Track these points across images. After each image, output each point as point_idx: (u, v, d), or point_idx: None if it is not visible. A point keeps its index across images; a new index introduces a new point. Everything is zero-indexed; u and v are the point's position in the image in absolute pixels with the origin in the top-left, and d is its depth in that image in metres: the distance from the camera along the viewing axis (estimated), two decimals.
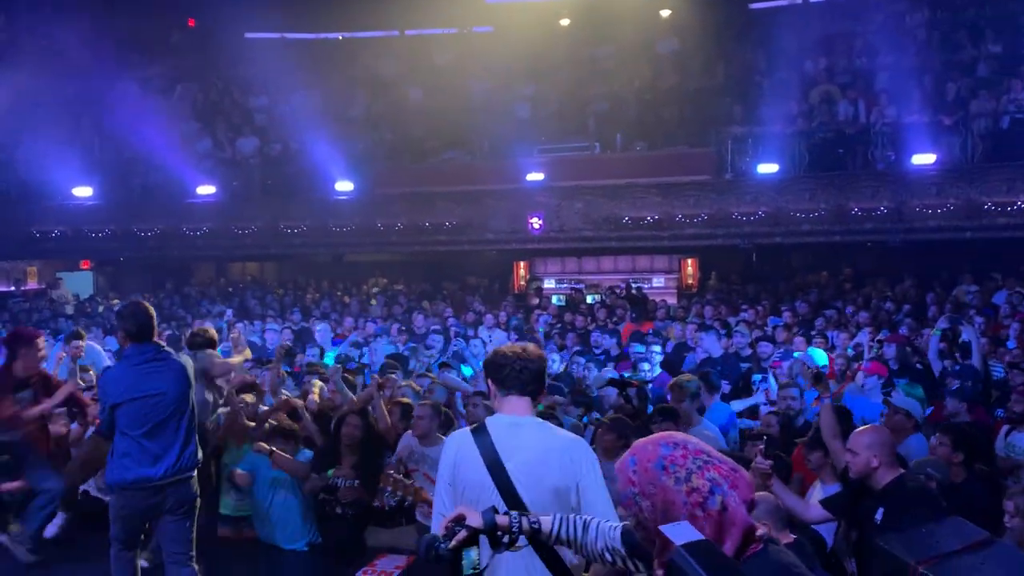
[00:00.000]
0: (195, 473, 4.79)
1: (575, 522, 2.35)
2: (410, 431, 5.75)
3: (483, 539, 2.34)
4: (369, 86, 19.54)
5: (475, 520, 2.31)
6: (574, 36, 19.43)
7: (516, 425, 2.89)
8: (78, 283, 19.17)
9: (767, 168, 14.34)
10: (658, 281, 18.08)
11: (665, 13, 19.05)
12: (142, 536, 4.92)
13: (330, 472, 5.55)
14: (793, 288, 15.13)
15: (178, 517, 4.70)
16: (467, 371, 8.82)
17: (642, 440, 1.96)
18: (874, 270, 15.50)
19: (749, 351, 9.12)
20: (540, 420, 3.00)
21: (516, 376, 2.94)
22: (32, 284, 19.25)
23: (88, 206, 17.26)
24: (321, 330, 12.01)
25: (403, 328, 11.86)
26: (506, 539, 2.33)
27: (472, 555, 2.33)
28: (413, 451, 5.58)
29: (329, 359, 9.94)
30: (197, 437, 4.80)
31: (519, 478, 2.75)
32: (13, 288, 18.66)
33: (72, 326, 11.75)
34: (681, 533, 1.66)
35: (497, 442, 2.83)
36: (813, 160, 14.35)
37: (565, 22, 20.05)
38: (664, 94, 16.99)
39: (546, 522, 2.36)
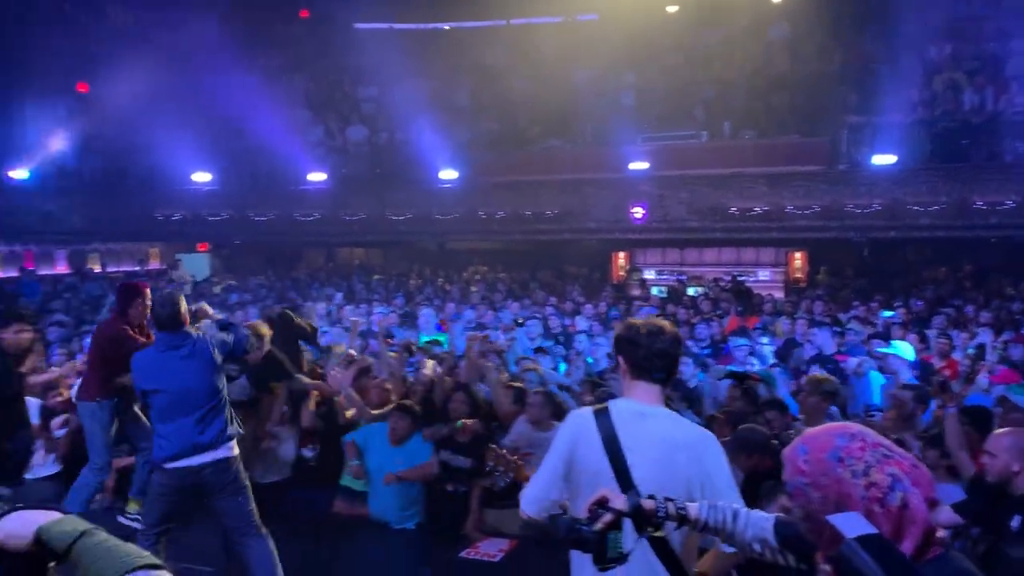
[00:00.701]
0: (232, 453, 4.75)
1: (724, 510, 2.28)
2: (523, 416, 5.80)
3: (627, 523, 2.25)
4: (475, 75, 19.71)
5: (620, 503, 2.24)
6: (681, 22, 19.07)
7: (641, 415, 2.74)
8: (196, 265, 20.12)
9: (884, 159, 13.75)
10: (764, 274, 17.64)
11: None
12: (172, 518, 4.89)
13: (459, 423, 5.68)
14: (908, 284, 14.49)
15: (226, 495, 4.72)
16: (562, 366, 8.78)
17: (814, 429, 1.89)
18: (998, 267, 14.68)
19: (863, 349, 8.78)
20: (668, 411, 2.83)
21: (651, 362, 2.77)
22: (154, 264, 20.31)
23: (206, 191, 18.05)
24: (425, 315, 12.21)
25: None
26: (652, 524, 2.25)
27: (618, 538, 2.22)
28: (528, 436, 5.62)
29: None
30: (228, 416, 4.77)
31: (640, 473, 2.63)
32: (137, 268, 19.72)
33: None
34: (853, 525, 1.58)
35: (619, 430, 2.70)
36: (934, 151, 13.69)
37: (672, 9, 19.70)
38: (775, 81, 16.48)
39: (693, 508, 2.30)
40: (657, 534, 2.28)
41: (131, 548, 1.44)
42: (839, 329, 9.46)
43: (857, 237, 14.31)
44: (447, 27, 22.16)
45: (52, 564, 1.48)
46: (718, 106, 16.23)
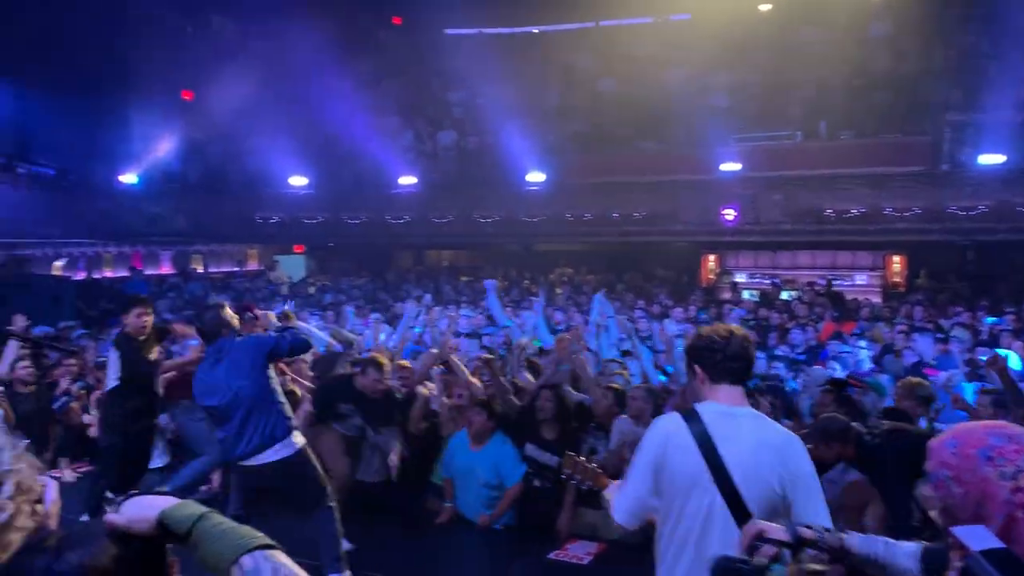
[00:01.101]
0: (291, 450, 4.71)
1: (876, 541, 2.19)
2: (623, 415, 5.78)
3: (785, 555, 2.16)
4: (563, 78, 19.75)
5: (780, 533, 2.16)
6: (775, 21, 18.67)
7: (731, 415, 2.74)
8: (292, 266, 20.78)
9: (991, 159, 13.16)
10: (860, 278, 17.07)
11: None
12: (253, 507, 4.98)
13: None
14: (1016, 289, 13.79)
15: (294, 487, 4.80)
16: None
17: (968, 424, 1.85)
18: None
19: (956, 361, 8.40)
20: (756, 412, 2.84)
21: (728, 364, 2.78)
22: (253, 265, 21.07)
23: (303, 195, 18.60)
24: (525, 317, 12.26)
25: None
26: (811, 555, 2.16)
27: (783, 572, 2.15)
28: (633, 433, 5.58)
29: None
30: (279, 414, 4.72)
31: (736, 469, 2.64)
32: (236, 268, 20.52)
33: (285, 305, 12.77)
34: (979, 538, 1.52)
35: (711, 429, 2.70)
36: None
37: (766, 7, 19.31)
38: (875, 79, 15.95)
39: (851, 538, 2.19)
40: (817, 567, 2.16)
41: (246, 530, 1.52)
42: (941, 335, 9.08)
43: (960, 240, 13.72)
44: (536, 30, 22.26)
45: (170, 545, 1.58)
46: (814, 106, 15.81)
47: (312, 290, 17.00)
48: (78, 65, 16.43)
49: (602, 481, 3.23)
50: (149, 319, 5.82)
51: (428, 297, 14.97)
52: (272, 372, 4.80)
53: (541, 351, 8.24)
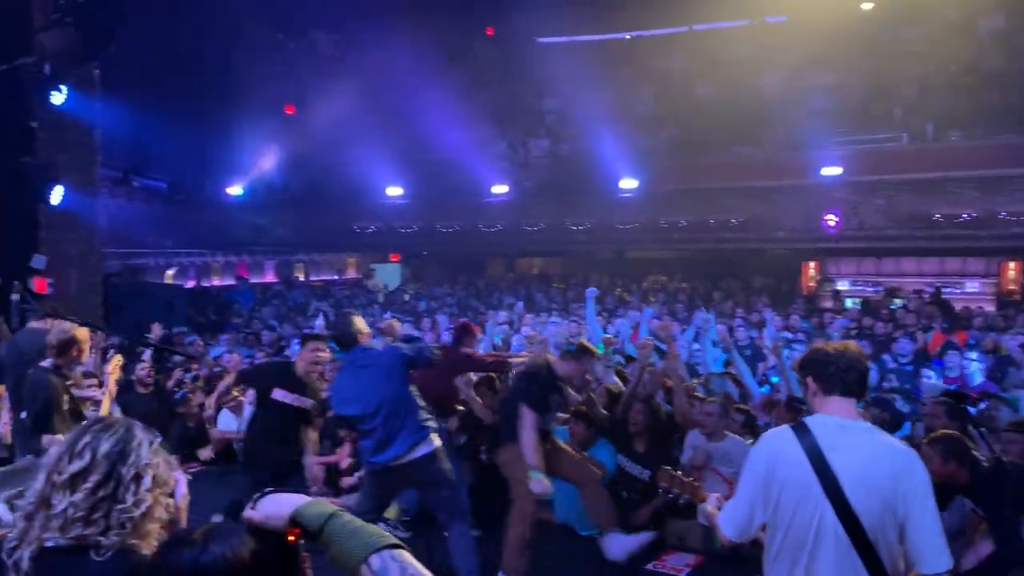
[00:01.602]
0: (426, 450, 4.83)
1: None
2: (695, 430, 5.72)
3: None
4: (656, 83, 19.58)
5: None
6: (878, 19, 18.03)
7: (843, 427, 2.72)
8: (388, 274, 21.24)
9: None
10: (971, 286, 16.30)
11: None
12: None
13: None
14: None
15: (428, 490, 5.00)
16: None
17: None
18: None
19: None
20: (869, 424, 2.81)
21: (841, 376, 2.76)
22: (351, 274, 21.65)
23: (399, 205, 19.01)
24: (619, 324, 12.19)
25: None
26: None
27: None
28: (704, 449, 5.54)
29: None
30: (416, 418, 4.86)
31: (847, 481, 2.61)
32: (335, 277, 21.11)
33: (382, 312, 13.11)
34: None
35: (822, 442, 2.68)
36: None
37: (867, 6, 18.67)
38: (986, 78, 15.22)
39: None
40: None
41: (375, 529, 1.59)
42: None
43: None
44: (628, 36, 22.14)
45: (302, 542, 1.66)
46: (919, 107, 15.19)
47: (407, 297, 17.34)
48: (188, 83, 17.26)
49: (700, 494, 3.22)
50: (324, 356, 5.62)
51: (520, 305, 15.08)
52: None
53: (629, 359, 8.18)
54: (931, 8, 16.95)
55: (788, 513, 2.70)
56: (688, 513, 5.50)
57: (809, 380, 2.86)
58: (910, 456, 2.70)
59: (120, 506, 1.75)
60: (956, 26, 16.51)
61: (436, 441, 4.91)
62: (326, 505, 1.62)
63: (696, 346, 9.32)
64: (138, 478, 1.78)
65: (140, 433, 1.85)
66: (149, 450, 1.83)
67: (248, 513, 1.61)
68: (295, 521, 1.58)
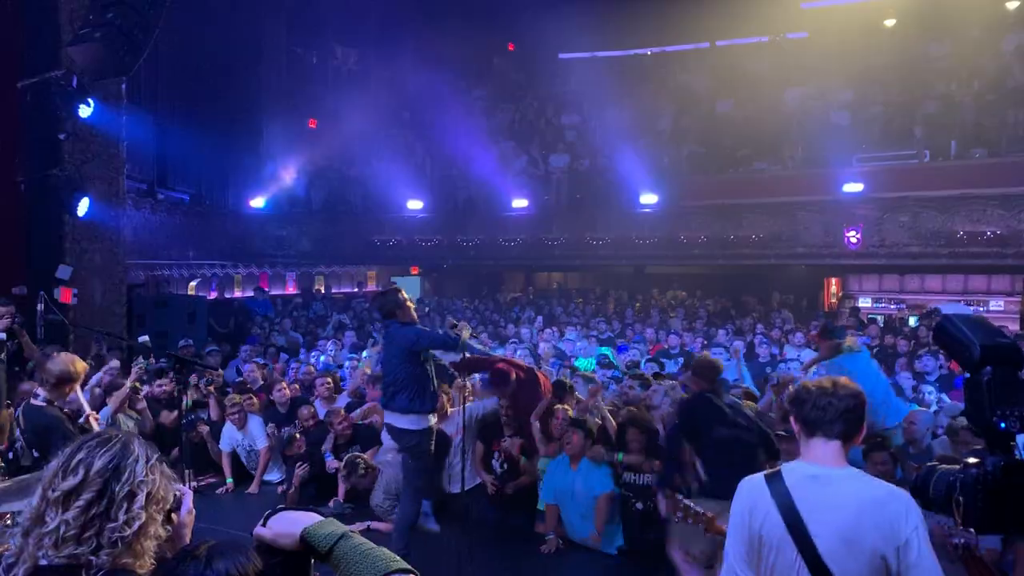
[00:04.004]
0: (411, 426, 5.61)
1: None
2: None
3: None
4: (677, 99, 19.56)
5: None
6: (900, 36, 17.96)
7: (817, 478, 2.46)
8: (408, 287, 21.24)
9: None
10: (996, 304, 16.12)
11: (1012, 5, 16.94)
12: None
13: (620, 455, 5.79)
14: None
15: (405, 456, 5.83)
16: None
17: None
18: None
19: None
20: (851, 470, 2.51)
21: (819, 414, 2.50)
22: (371, 287, 21.71)
23: (419, 218, 19.09)
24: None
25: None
26: None
27: None
28: None
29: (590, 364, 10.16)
30: (413, 395, 5.58)
31: (825, 544, 2.37)
32: (356, 289, 21.17)
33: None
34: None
35: (796, 495, 2.44)
36: None
37: (890, 22, 18.61)
38: (1010, 95, 15.08)
39: None
40: None
41: (385, 552, 1.58)
42: None
43: None
44: (649, 52, 22.18)
45: (314, 561, 1.65)
46: (942, 123, 15.07)
47: (427, 310, 17.38)
48: (213, 96, 17.47)
49: (716, 526, 3.13)
50: None
51: (540, 320, 15.08)
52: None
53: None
54: (954, 24, 16.84)
55: (766, 570, 2.52)
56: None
57: (792, 419, 2.66)
58: (900, 500, 2.39)
59: (112, 524, 1.69)
60: (979, 43, 16.39)
61: (424, 422, 5.64)
62: (337, 525, 1.61)
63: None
64: (132, 495, 1.72)
65: (137, 448, 1.80)
66: (146, 466, 1.77)
67: (258, 530, 1.62)
68: (305, 540, 1.58)
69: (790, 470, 2.54)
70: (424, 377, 5.64)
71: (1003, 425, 1.46)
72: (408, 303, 5.87)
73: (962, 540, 1.57)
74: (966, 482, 1.47)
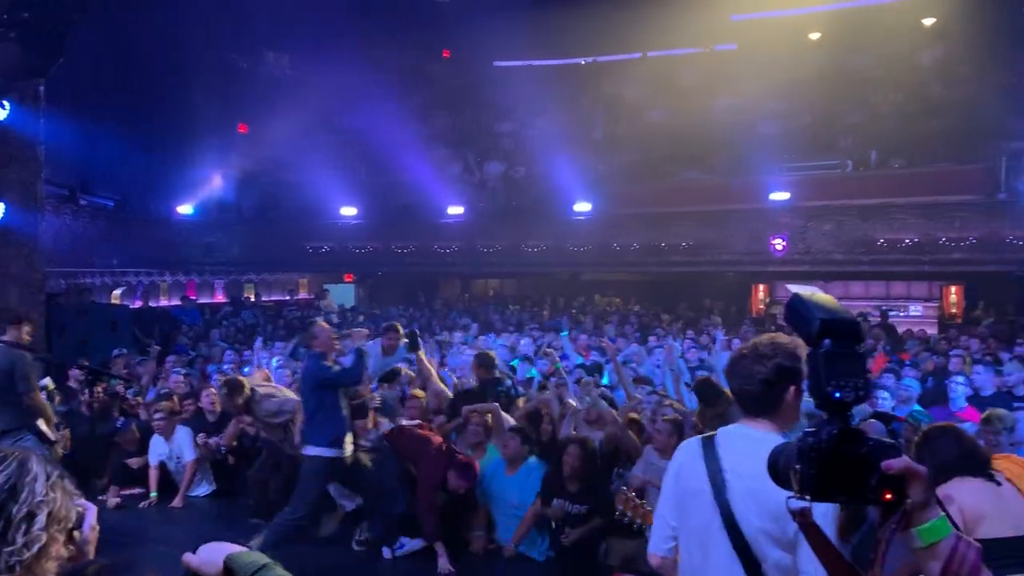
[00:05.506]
0: (309, 452, 5.72)
1: None
2: (649, 446, 5.76)
3: None
4: (611, 108, 19.84)
5: None
6: (824, 49, 18.53)
7: (746, 436, 2.55)
8: (342, 294, 21.04)
9: None
10: (915, 309, 16.71)
11: (929, 21, 17.63)
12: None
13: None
14: None
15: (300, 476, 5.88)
16: None
17: None
18: None
19: None
20: (777, 436, 2.52)
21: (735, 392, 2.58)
22: (303, 295, 21.40)
23: (353, 225, 18.93)
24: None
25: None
26: None
27: None
28: (652, 464, 5.57)
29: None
30: (314, 424, 5.74)
31: (736, 496, 2.46)
32: (287, 297, 20.84)
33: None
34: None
35: (722, 451, 2.56)
36: None
37: (815, 36, 19.20)
38: (928, 107, 15.71)
39: None
40: None
41: None
42: (999, 368, 8.81)
43: (1018, 270, 13.33)
44: (584, 62, 22.42)
45: None
46: (864, 134, 15.62)
47: (361, 318, 17.20)
48: (138, 100, 17.02)
49: (651, 520, 3.18)
50: None
51: (475, 326, 15.07)
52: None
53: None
54: (876, 39, 17.46)
55: (685, 519, 2.62)
56: (635, 533, 5.51)
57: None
58: None
59: (8, 548, 1.61)
60: (900, 56, 17.04)
61: (317, 450, 5.71)
62: (259, 556, 1.59)
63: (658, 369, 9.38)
64: (31, 516, 1.64)
65: (35, 467, 1.71)
66: (45, 484, 1.69)
67: (187, 557, 1.60)
68: (228, 568, 1.56)
69: (724, 431, 2.64)
70: (325, 410, 5.75)
71: (837, 395, 1.54)
72: (327, 336, 5.84)
73: (798, 507, 1.64)
74: (803, 450, 1.55)
